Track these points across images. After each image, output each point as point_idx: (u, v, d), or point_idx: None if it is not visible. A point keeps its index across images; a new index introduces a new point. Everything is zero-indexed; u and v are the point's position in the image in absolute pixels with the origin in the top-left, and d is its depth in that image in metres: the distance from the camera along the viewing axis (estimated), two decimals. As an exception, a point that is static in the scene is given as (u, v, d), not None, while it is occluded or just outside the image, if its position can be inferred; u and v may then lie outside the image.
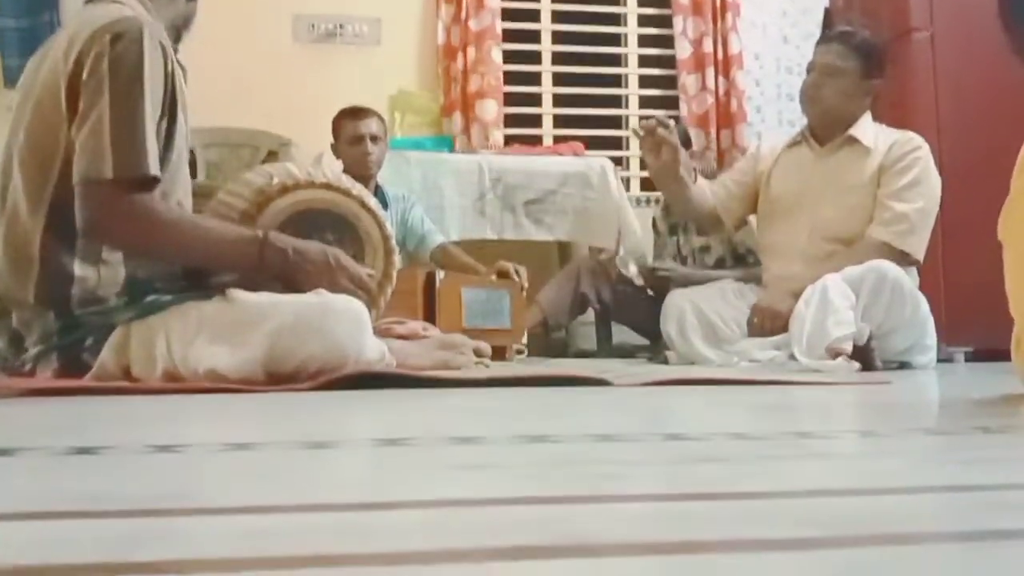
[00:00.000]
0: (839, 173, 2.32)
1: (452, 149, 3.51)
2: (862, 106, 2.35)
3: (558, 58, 4.01)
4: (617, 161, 3.67)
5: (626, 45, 4.07)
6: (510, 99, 3.82)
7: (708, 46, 3.84)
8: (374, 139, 2.78)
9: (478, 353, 1.75)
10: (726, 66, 3.85)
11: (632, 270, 2.95)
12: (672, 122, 2.27)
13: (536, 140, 3.87)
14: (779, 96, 3.97)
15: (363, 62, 3.69)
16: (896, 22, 3.22)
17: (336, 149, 2.86)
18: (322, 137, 2.93)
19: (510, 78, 3.84)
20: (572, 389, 1.35)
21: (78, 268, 1.38)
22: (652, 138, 2.20)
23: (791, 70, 3.95)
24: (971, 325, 2.77)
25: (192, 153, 2.73)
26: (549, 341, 3.07)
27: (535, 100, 3.97)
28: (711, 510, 0.43)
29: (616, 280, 2.96)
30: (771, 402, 1.12)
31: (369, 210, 1.64)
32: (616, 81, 4.07)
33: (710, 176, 3.41)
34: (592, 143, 3.76)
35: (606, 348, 3.11)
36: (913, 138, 2.30)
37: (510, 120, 3.83)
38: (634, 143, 3.97)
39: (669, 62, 3.97)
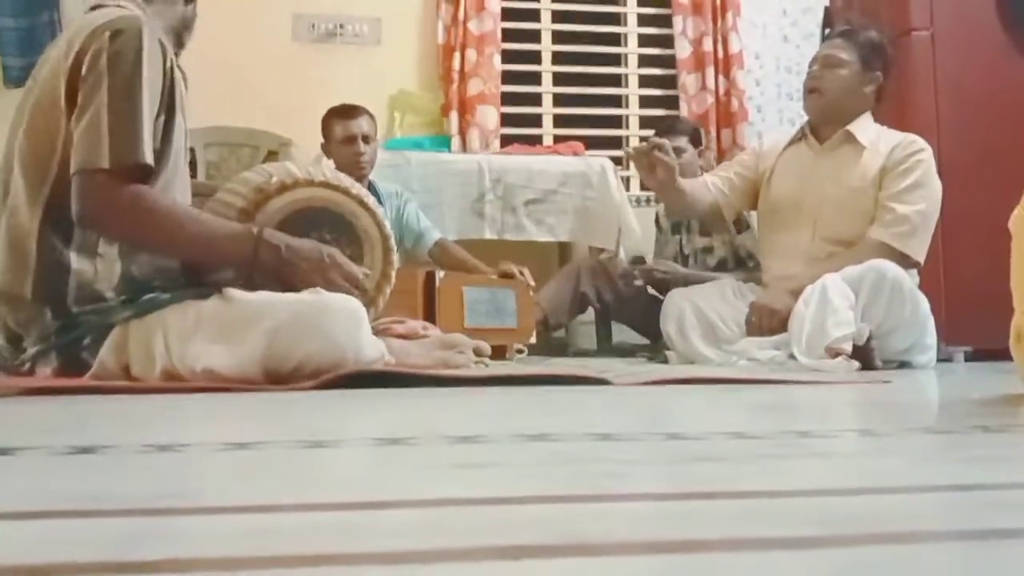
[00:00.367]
0: (839, 173, 2.32)
1: (450, 149, 3.52)
2: (863, 101, 2.35)
3: (558, 58, 4.01)
4: (617, 161, 3.67)
5: (626, 45, 4.07)
6: (510, 99, 3.82)
7: (708, 45, 3.84)
8: (366, 139, 2.75)
9: (478, 352, 1.75)
10: (726, 66, 3.85)
11: (626, 263, 2.95)
12: (667, 143, 2.29)
13: (536, 140, 3.87)
14: (779, 96, 3.97)
15: (363, 62, 3.69)
16: (896, 22, 3.21)
17: (327, 149, 2.83)
18: (321, 137, 2.93)
19: (510, 78, 3.84)
20: (572, 388, 1.35)
21: (74, 261, 1.38)
22: (646, 159, 2.22)
23: (791, 70, 3.95)
24: (971, 325, 2.77)
25: (192, 152, 2.73)
26: (549, 340, 3.07)
27: (535, 100, 3.97)
28: (711, 509, 0.43)
29: (619, 278, 2.96)
30: (771, 401, 1.12)
31: (368, 209, 1.64)
32: (616, 81, 4.07)
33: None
34: (592, 143, 3.76)
35: (606, 347, 3.11)
36: (916, 140, 2.30)
37: (510, 120, 3.83)
38: (633, 142, 3.98)
39: (669, 62, 3.97)
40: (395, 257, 1.68)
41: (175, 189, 1.49)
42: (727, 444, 0.67)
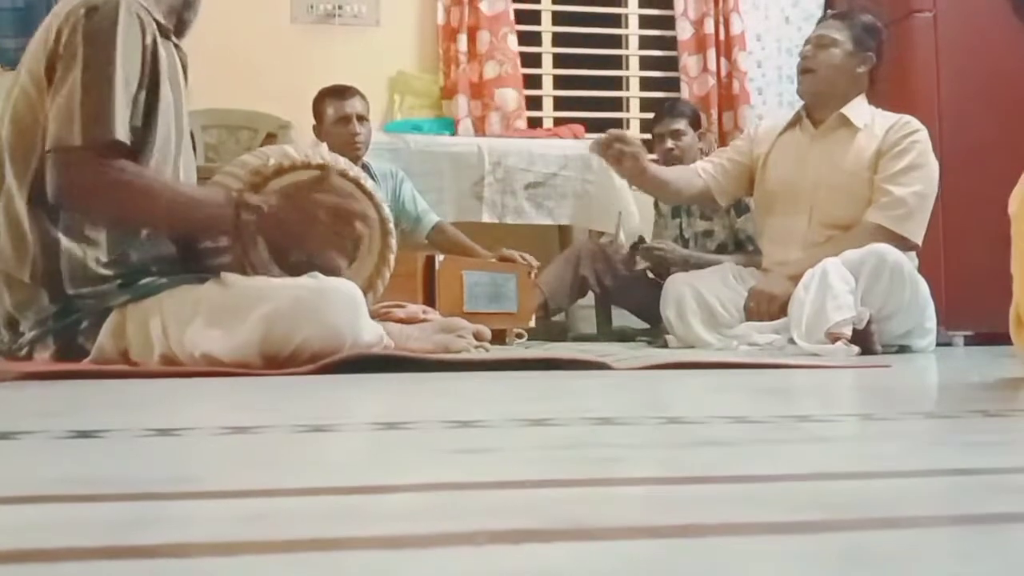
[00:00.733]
0: (835, 156, 2.31)
1: (454, 132, 3.49)
2: (856, 83, 2.34)
3: (558, 40, 3.98)
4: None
5: (627, 26, 4.04)
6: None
7: (709, 27, 3.82)
8: (360, 119, 2.71)
9: (478, 337, 1.75)
10: (728, 47, 3.83)
11: (626, 247, 2.96)
12: (627, 133, 2.33)
13: (536, 122, 3.85)
14: (780, 78, 3.95)
15: (362, 43, 3.66)
16: (898, 3, 3.19)
17: (319, 131, 2.80)
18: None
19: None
20: (572, 373, 1.35)
21: (64, 242, 1.38)
22: (609, 151, 2.24)
23: (792, 52, 3.92)
24: (971, 309, 2.77)
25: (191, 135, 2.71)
26: (549, 325, 3.07)
27: (535, 82, 3.94)
28: (711, 493, 0.42)
29: (619, 262, 2.95)
30: (770, 386, 1.12)
31: (366, 192, 1.64)
32: (617, 63, 4.05)
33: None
34: (592, 125, 3.74)
35: (606, 332, 3.12)
36: (910, 122, 2.29)
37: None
38: (634, 124, 3.97)
39: (670, 43, 3.95)
40: (394, 241, 1.67)
41: (174, 166, 1.48)
42: (727, 428, 0.67)
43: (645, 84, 4.04)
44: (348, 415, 0.83)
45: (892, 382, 1.23)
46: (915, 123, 2.29)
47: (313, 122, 2.82)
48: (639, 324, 3.06)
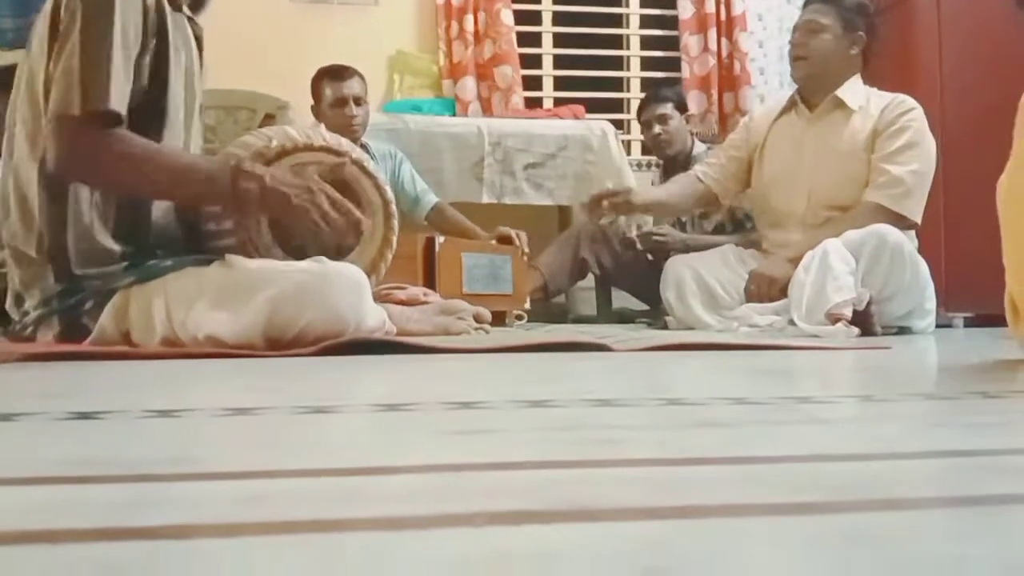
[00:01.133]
0: (831, 138, 2.31)
1: (454, 113, 3.47)
2: (849, 64, 2.33)
3: (558, 18, 3.95)
4: (618, 124, 3.64)
5: (627, 5, 4.01)
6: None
7: (711, 6, 3.79)
8: (357, 100, 2.70)
9: (478, 319, 1.75)
10: (729, 27, 3.80)
11: (633, 232, 2.96)
12: (608, 189, 2.41)
13: (536, 103, 3.83)
14: (782, 58, 3.92)
15: (361, 22, 3.63)
16: (902, -18, 3.16)
17: (317, 112, 2.78)
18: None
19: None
20: (572, 354, 1.35)
21: (71, 217, 1.38)
22: (596, 212, 2.37)
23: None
24: (971, 290, 2.77)
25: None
26: (549, 306, 3.07)
27: (535, 62, 3.92)
28: (711, 474, 0.43)
29: (618, 243, 2.95)
30: (770, 367, 1.13)
31: (369, 174, 1.63)
32: (617, 42, 4.02)
33: (709, 140, 3.39)
34: (592, 106, 3.73)
35: (606, 313, 3.12)
36: (905, 100, 2.29)
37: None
38: (634, 104, 3.95)
39: (671, 23, 3.92)
40: (396, 223, 1.67)
41: (186, 132, 1.48)
42: (727, 409, 0.67)
43: (646, 64, 4.02)
44: (349, 396, 0.83)
45: (892, 363, 1.23)
46: (910, 101, 2.28)
47: (312, 102, 2.80)
48: (639, 306, 3.06)
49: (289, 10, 3.61)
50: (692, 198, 2.49)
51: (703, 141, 3.22)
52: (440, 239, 2.42)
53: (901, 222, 2.17)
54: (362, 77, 2.76)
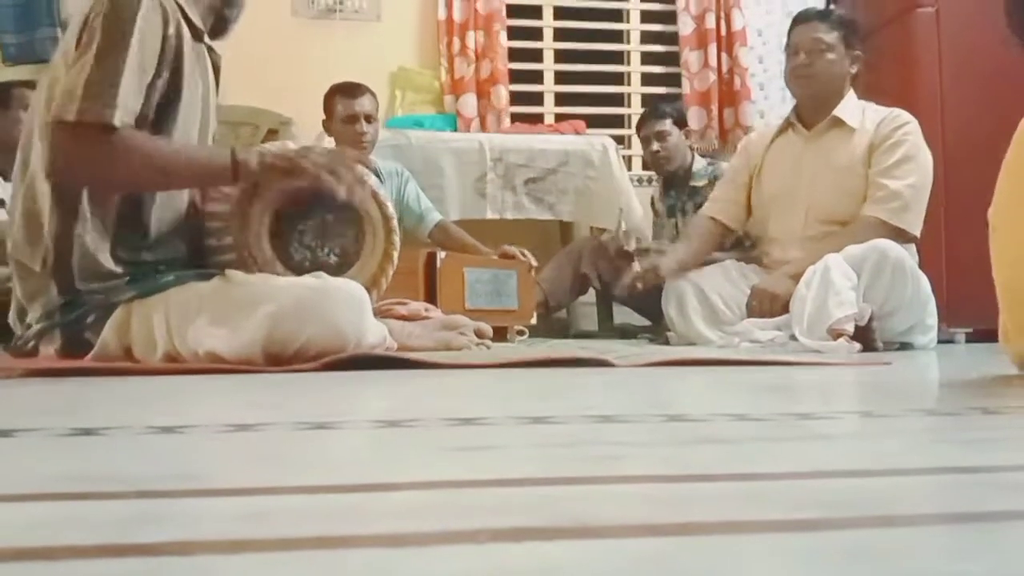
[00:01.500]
0: (829, 155, 2.32)
1: (456, 128, 3.49)
2: (847, 82, 2.35)
3: (559, 35, 3.97)
4: (619, 140, 3.65)
5: (628, 21, 4.03)
6: (511, 77, 3.79)
7: (711, 22, 3.81)
8: (368, 118, 2.73)
9: (479, 334, 1.75)
10: (729, 43, 3.82)
11: (632, 245, 2.96)
12: (634, 270, 2.42)
13: (537, 118, 3.85)
14: (781, 74, 3.94)
15: (363, 38, 3.66)
16: (901, -2, 3.18)
17: (328, 127, 2.81)
18: (321, 115, 2.91)
19: (511, 55, 3.81)
20: (573, 370, 1.35)
21: (79, 234, 1.38)
22: (635, 288, 2.39)
23: (794, 48, 3.91)
24: (972, 306, 2.77)
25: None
26: (550, 322, 3.07)
27: (536, 77, 3.94)
28: (712, 491, 0.43)
29: (616, 256, 2.95)
30: (772, 383, 1.12)
31: (370, 190, 1.64)
32: (618, 58, 4.04)
33: (709, 155, 3.40)
34: (593, 121, 3.74)
35: (607, 328, 3.11)
36: (901, 114, 2.30)
37: (511, 98, 3.80)
38: (635, 120, 3.96)
39: (672, 38, 3.94)
40: (397, 238, 1.67)
41: None
42: (728, 426, 0.67)
43: (646, 79, 4.03)
44: (350, 412, 0.83)
45: (893, 379, 1.23)
46: (905, 115, 2.30)
47: (323, 116, 2.83)
48: (640, 321, 3.06)
49: (292, 26, 3.64)
50: (713, 241, 2.52)
51: (703, 156, 3.23)
52: (441, 254, 2.42)
53: (901, 236, 2.18)
54: (374, 95, 2.80)
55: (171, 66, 1.41)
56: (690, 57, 3.85)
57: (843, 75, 2.33)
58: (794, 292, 2.07)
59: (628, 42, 4.04)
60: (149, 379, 1.20)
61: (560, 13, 3.96)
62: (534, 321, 2.70)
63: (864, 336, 1.95)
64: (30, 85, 2.77)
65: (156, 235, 1.47)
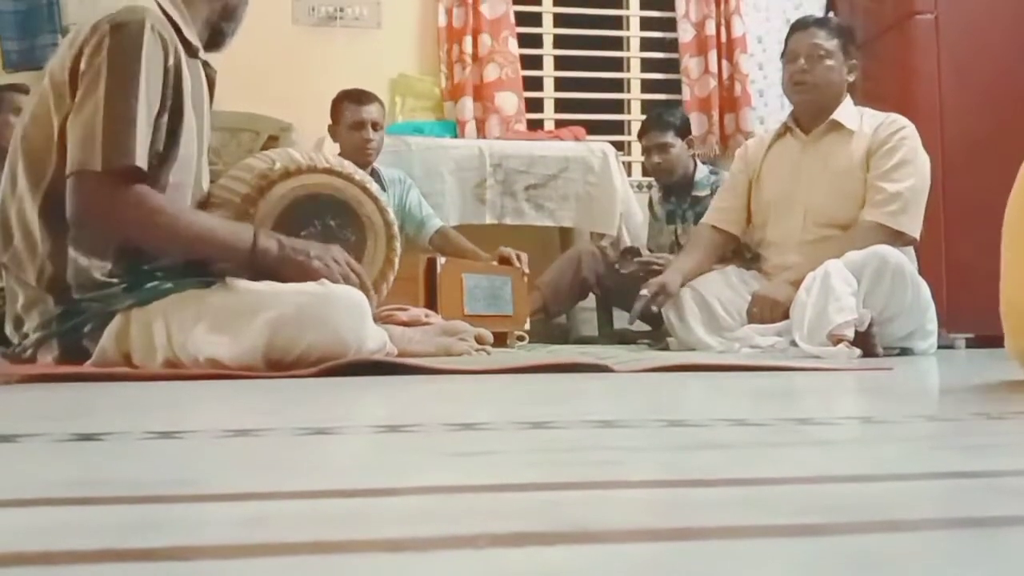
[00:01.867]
0: (827, 159, 2.33)
1: (455, 135, 3.50)
2: (844, 88, 2.36)
3: (559, 41, 3.98)
4: (619, 146, 3.66)
5: (628, 28, 4.04)
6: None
7: (711, 29, 3.82)
8: (375, 126, 2.75)
9: (480, 340, 1.75)
10: (729, 49, 3.83)
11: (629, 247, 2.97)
12: (645, 295, 2.39)
13: (537, 124, 3.85)
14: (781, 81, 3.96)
15: (363, 45, 3.67)
16: (900, 4, 3.19)
17: (334, 132, 2.82)
18: (323, 121, 2.91)
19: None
20: (573, 375, 1.35)
21: (72, 253, 1.38)
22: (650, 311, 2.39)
23: (794, 54, 3.92)
24: (972, 311, 2.77)
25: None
26: (550, 327, 3.07)
27: (536, 84, 3.95)
28: (712, 496, 0.43)
29: (615, 262, 2.96)
30: (772, 388, 1.12)
31: (371, 196, 1.64)
32: (618, 65, 4.05)
33: (710, 161, 3.41)
34: (593, 128, 3.75)
35: (607, 334, 3.11)
36: (898, 119, 2.32)
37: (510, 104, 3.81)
38: (635, 126, 3.97)
39: (672, 45, 3.95)
40: (398, 245, 1.68)
41: (196, 183, 1.49)
42: (728, 431, 0.67)
43: (646, 86, 4.04)
44: (350, 418, 0.83)
45: (893, 385, 1.23)
46: (902, 120, 2.31)
47: (327, 122, 2.84)
48: (640, 326, 3.06)
49: (292, 33, 3.65)
50: (716, 251, 2.52)
51: (705, 163, 3.24)
52: (441, 260, 2.42)
53: (900, 239, 2.19)
54: (382, 104, 2.82)
55: (173, 96, 1.41)
56: (690, 64, 3.86)
57: (841, 82, 2.35)
58: (794, 298, 2.07)
59: (628, 49, 4.05)
60: (149, 384, 1.20)
61: (560, 20, 3.97)
62: (527, 327, 2.70)
63: (864, 342, 1.95)
64: (22, 89, 2.77)
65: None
